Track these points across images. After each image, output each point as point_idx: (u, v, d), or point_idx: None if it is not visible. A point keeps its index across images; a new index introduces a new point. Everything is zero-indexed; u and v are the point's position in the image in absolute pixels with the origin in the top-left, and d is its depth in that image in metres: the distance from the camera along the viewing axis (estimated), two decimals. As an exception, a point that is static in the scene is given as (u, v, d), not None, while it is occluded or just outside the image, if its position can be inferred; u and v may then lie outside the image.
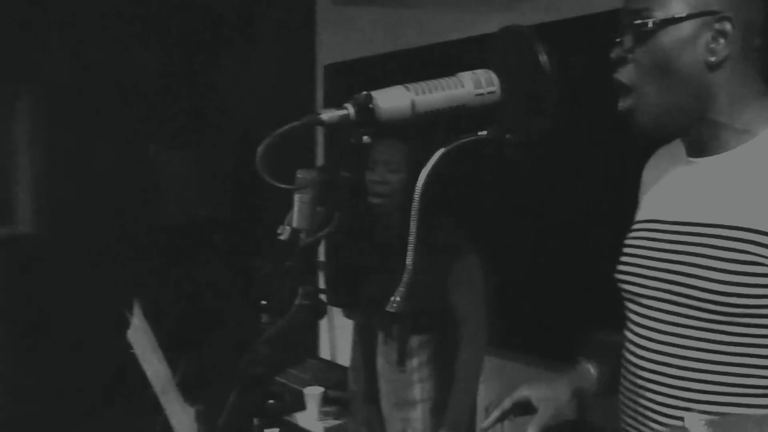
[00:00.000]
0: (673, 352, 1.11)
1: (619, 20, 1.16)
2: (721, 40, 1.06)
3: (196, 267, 3.74)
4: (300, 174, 2.06)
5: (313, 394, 2.95)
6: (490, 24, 2.84)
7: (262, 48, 3.67)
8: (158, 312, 3.43)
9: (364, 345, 2.16)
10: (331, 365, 3.37)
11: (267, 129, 3.62)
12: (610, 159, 2.35)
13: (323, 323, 3.78)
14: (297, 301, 0.98)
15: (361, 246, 2.22)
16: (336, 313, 3.73)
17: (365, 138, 0.99)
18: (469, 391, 2.01)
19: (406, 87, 1.02)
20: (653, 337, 1.14)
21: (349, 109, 0.98)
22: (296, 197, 2.10)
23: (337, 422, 2.89)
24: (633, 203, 1.38)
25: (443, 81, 1.05)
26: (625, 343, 1.24)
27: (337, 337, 3.74)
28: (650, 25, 1.09)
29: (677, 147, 1.22)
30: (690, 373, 1.08)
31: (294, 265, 2.12)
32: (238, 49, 3.65)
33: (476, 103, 1.06)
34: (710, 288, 1.04)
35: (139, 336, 1.42)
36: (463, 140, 1.14)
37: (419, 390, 2.02)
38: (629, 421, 1.22)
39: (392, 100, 1.00)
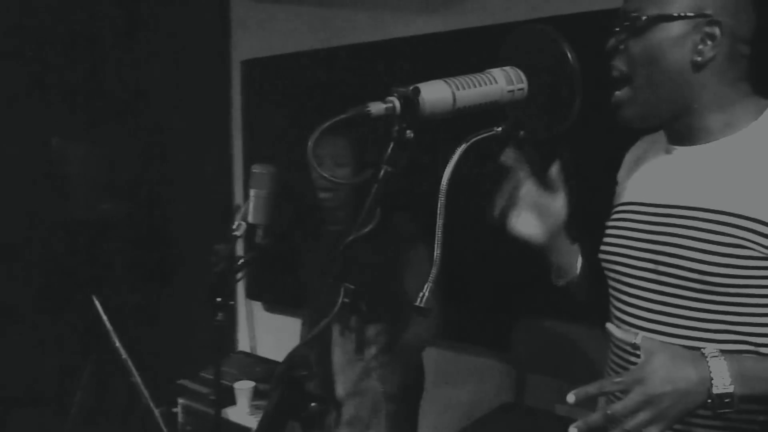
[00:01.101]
0: (662, 330, 1.13)
1: (617, 15, 1.18)
2: (709, 43, 1.10)
3: (100, 262, 3.49)
4: (256, 169, 1.97)
5: (243, 388, 2.82)
6: (412, 26, 2.86)
7: (174, 42, 3.46)
8: (62, 309, 3.18)
9: (319, 339, 2.09)
10: (257, 358, 3.25)
11: (177, 123, 3.44)
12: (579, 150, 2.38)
13: (241, 316, 3.65)
14: (339, 301, 0.91)
15: (312, 241, 2.15)
16: (255, 306, 3.61)
17: (408, 132, 0.94)
18: (401, 359, 2.01)
19: (446, 82, 0.98)
20: (642, 314, 1.17)
21: (395, 103, 0.92)
22: (252, 192, 2.00)
23: (270, 415, 2.79)
24: (597, 196, 1.40)
25: (477, 77, 1.02)
26: (611, 319, 1.26)
27: (256, 329, 3.61)
28: (644, 19, 1.11)
29: (660, 136, 1.25)
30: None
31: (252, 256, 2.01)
32: (149, 43, 3.42)
33: (507, 100, 1.04)
34: (696, 268, 1.08)
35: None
36: (479, 136, 1.12)
37: (377, 377, 1.99)
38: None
39: (436, 94, 0.96)
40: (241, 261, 1.85)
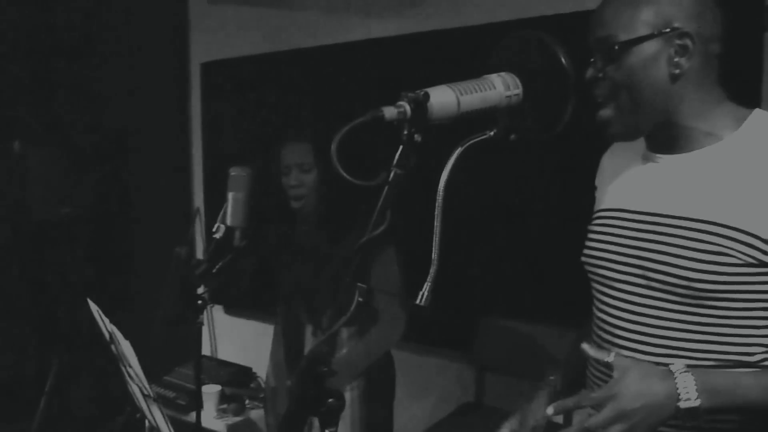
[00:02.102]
0: (647, 332, 1.17)
1: (590, 45, 1.21)
2: (683, 55, 1.13)
3: (60, 265, 3.40)
4: (234, 172, 1.96)
5: (210, 392, 2.79)
6: (371, 30, 2.90)
7: (133, 44, 3.40)
8: (23, 311, 3.08)
9: (291, 339, 2.08)
10: (220, 362, 3.21)
11: (137, 125, 3.41)
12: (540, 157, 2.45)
13: (203, 319, 3.59)
14: (355, 300, 0.92)
15: (285, 244, 2.15)
16: (216, 310, 3.57)
17: (417, 136, 0.96)
18: (356, 358, 1.99)
19: (451, 87, 1.01)
20: (627, 318, 1.20)
21: (406, 107, 0.95)
22: (230, 195, 1.99)
23: (237, 419, 2.77)
24: (576, 200, 1.45)
25: (476, 83, 1.05)
26: (596, 322, 1.29)
27: (217, 333, 3.58)
28: (617, 47, 1.14)
29: (637, 141, 1.27)
30: (664, 350, 1.15)
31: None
32: (108, 45, 3.35)
33: (504, 105, 1.07)
34: (682, 274, 1.12)
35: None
36: (473, 140, 1.15)
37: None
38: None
39: (444, 98, 0.99)
40: (220, 264, 1.84)
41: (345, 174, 0.88)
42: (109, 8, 3.32)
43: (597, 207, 1.36)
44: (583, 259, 1.32)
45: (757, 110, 1.17)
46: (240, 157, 3.29)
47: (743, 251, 1.08)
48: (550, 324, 2.42)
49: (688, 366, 1.07)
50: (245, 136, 3.34)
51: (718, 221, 1.10)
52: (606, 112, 1.20)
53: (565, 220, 2.39)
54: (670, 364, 1.07)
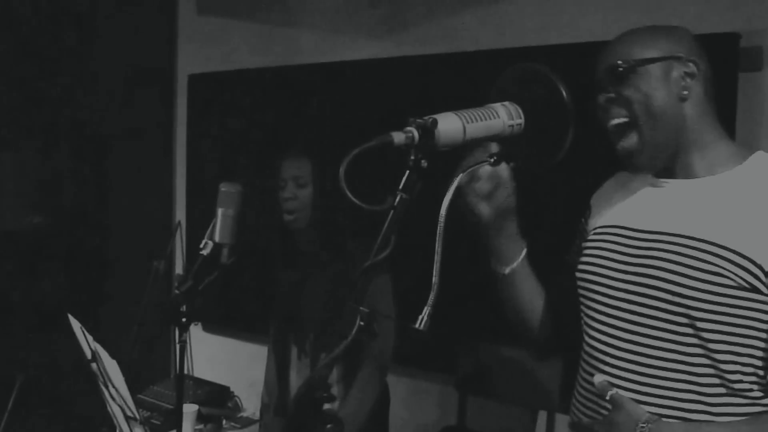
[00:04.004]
0: (639, 350, 1.20)
1: (599, 77, 1.26)
2: (690, 78, 1.21)
3: (31, 275, 3.35)
4: (224, 188, 1.96)
5: (187, 411, 2.75)
6: (358, 51, 2.92)
7: (119, 53, 3.39)
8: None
9: (278, 359, 2.08)
10: (198, 381, 3.17)
11: (120, 135, 3.39)
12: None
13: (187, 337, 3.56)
14: (356, 324, 0.93)
15: (275, 262, 2.15)
16: (193, 329, 3.54)
17: (423, 162, 0.98)
18: (362, 398, 1.99)
19: (458, 114, 1.03)
20: (620, 335, 1.23)
21: (414, 133, 0.97)
22: (219, 211, 1.99)
23: (214, 439, 2.73)
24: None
25: (481, 111, 1.08)
26: (585, 339, 1.31)
27: (194, 351, 3.54)
28: (627, 65, 1.21)
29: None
30: (652, 369, 1.18)
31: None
32: (95, 54, 3.34)
33: (506, 134, 1.10)
34: (676, 291, 1.16)
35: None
36: (474, 166, 1.18)
37: (332, 407, 1.99)
38: (592, 414, 1.27)
39: (451, 125, 1.01)
40: (206, 282, 1.83)
41: (353, 198, 0.89)
42: (96, 16, 3.31)
43: (594, 224, 1.39)
44: (578, 274, 1.35)
45: (760, 151, 1.23)
46: (224, 170, 3.29)
47: (738, 274, 1.12)
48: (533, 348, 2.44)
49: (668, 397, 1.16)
50: (230, 149, 3.34)
51: (716, 242, 1.15)
52: (629, 142, 1.24)
53: (549, 245, 2.42)
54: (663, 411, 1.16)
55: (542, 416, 2.37)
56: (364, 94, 2.88)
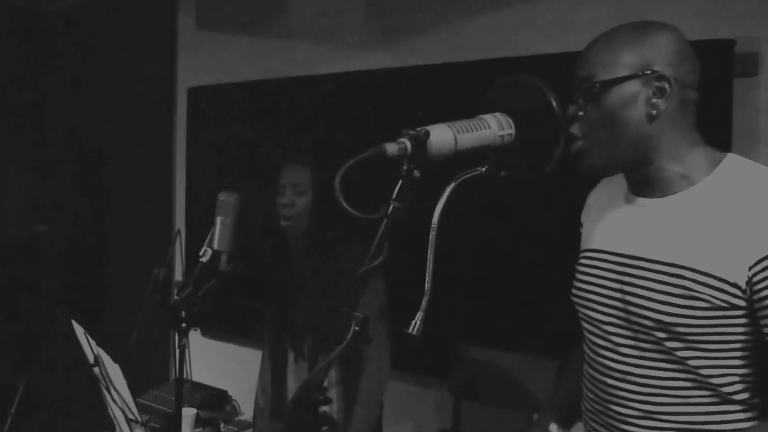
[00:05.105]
0: (631, 371, 1.20)
1: (573, 84, 1.24)
2: (661, 97, 1.16)
3: (36, 281, 3.34)
4: (223, 197, 1.96)
5: (186, 415, 2.73)
6: (355, 62, 2.93)
7: (120, 66, 3.39)
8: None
9: (275, 362, 2.07)
10: (196, 385, 3.15)
11: (120, 145, 3.40)
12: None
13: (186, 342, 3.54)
14: (351, 329, 0.93)
15: (272, 267, 2.14)
16: (192, 333, 3.52)
17: (416, 172, 0.98)
18: (367, 413, 1.98)
19: (449, 126, 1.03)
20: (614, 357, 1.23)
21: (407, 144, 0.97)
22: (218, 219, 1.99)
23: (212, 442, 2.71)
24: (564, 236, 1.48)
25: (473, 122, 1.08)
26: (586, 359, 1.32)
27: (193, 355, 3.52)
28: (597, 86, 1.17)
29: (620, 178, 1.31)
30: (647, 388, 1.18)
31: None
32: (96, 68, 3.34)
33: (497, 144, 1.10)
34: (656, 318, 1.15)
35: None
36: (466, 175, 1.17)
37: (328, 409, 1.97)
38: (598, 427, 1.28)
39: (442, 136, 1.01)
40: (205, 288, 1.82)
41: (348, 207, 0.89)
42: (97, 29, 3.31)
43: (583, 246, 1.38)
44: (572, 298, 1.35)
45: (729, 155, 1.19)
46: (222, 180, 3.29)
47: (714, 295, 1.11)
48: (528, 353, 2.43)
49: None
50: (228, 159, 3.34)
51: (689, 266, 1.13)
52: (580, 144, 1.22)
53: (546, 249, 2.44)
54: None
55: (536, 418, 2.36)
56: (359, 103, 2.89)
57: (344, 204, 0.89)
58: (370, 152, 0.93)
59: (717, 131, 2.06)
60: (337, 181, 0.89)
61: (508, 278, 2.52)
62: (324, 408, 0.92)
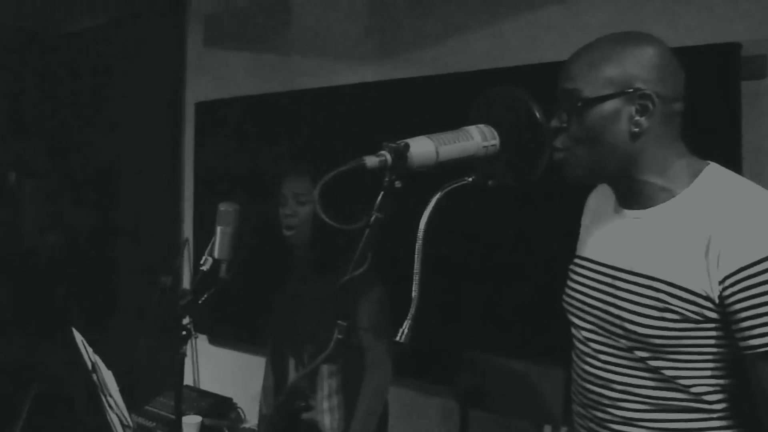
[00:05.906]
0: (611, 378, 1.19)
1: (557, 95, 1.22)
2: (644, 115, 1.14)
3: (48, 288, 3.36)
4: (223, 207, 1.96)
5: (190, 423, 2.73)
6: (358, 74, 2.94)
7: (129, 82, 3.42)
8: (11, 336, 3.02)
9: (276, 370, 2.06)
10: (202, 392, 3.15)
11: (130, 159, 3.42)
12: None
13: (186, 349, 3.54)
14: (334, 337, 0.92)
15: (274, 276, 2.14)
16: (200, 340, 3.52)
17: (397, 183, 0.98)
18: (367, 421, 1.93)
19: (431, 138, 1.03)
20: (594, 363, 1.23)
21: (387, 156, 0.96)
22: (218, 229, 1.99)
23: (217, 450, 2.70)
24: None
25: (455, 134, 1.07)
26: (572, 363, 1.32)
27: (200, 363, 3.52)
28: (579, 104, 1.16)
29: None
30: (626, 395, 1.17)
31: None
32: (106, 83, 3.37)
33: (482, 154, 1.09)
34: (631, 328, 1.14)
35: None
36: (453, 185, 1.16)
37: (329, 418, 1.94)
38: (584, 427, 1.28)
39: (423, 148, 1.00)
40: (206, 295, 1.83)
41: (326, 217, 0.88)
42: (111, 49, 3.35)
43: (577, 250, 1.38)
44: (562, 303, 1.35)
45: (710, 165, 1.18)
46: (229, 191, 3.30)
47: (687, 308, 1.10)
48: (536, 361, 2.40)
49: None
50: (234, 171, 3.35)
51: (663, 278, 1.12)
52: (562, 155, 1.21)
53: (554, 257, 2.39)
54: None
55: (547, 430, 2.30)
56: (361, 115, 2.89)
57: (323, 215, 0.88)
58: (350, 165, 0.93)
59: (726, 134, 1.99)
60: (316, 192, 0.88)
61: (517, 286, 2.49)
62: (307, 415, 0.91)
